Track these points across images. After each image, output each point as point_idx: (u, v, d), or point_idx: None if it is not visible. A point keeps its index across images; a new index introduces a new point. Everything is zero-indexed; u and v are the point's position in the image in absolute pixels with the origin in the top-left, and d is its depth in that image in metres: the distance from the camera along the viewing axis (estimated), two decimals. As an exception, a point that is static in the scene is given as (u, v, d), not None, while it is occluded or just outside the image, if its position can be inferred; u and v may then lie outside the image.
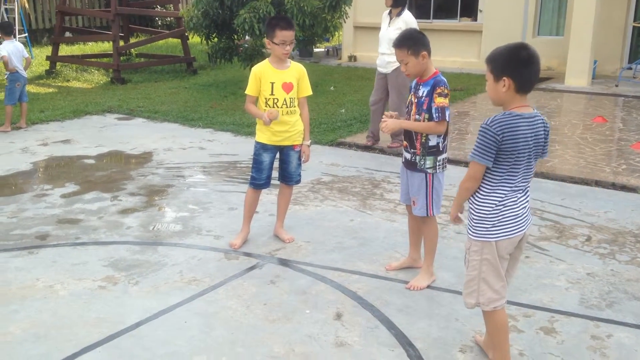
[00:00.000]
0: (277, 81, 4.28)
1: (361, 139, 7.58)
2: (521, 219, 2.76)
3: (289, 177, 4.53)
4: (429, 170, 3.72)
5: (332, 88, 11.29)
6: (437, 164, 3.73)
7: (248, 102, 4.37)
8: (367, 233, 4.70)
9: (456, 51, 13.92)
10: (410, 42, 3.64)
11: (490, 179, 2.75)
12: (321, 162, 6.66)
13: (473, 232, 2.81)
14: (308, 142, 4.51)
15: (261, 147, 4.40)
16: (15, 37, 8.94)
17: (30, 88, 10.45)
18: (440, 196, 3.83)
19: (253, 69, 4.37)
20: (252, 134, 7.94)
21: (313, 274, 4.02)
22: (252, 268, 4.11)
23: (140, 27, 16.84)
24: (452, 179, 6.05)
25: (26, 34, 14.90)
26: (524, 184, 2.78)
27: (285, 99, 4.29)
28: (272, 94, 4.27)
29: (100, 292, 3.76)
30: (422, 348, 3.17)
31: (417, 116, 3.70)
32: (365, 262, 4.20)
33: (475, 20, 14.03)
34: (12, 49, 8.12)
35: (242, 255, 4.30)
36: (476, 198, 2.79)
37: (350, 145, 7.40)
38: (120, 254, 4.32)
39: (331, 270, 4.07)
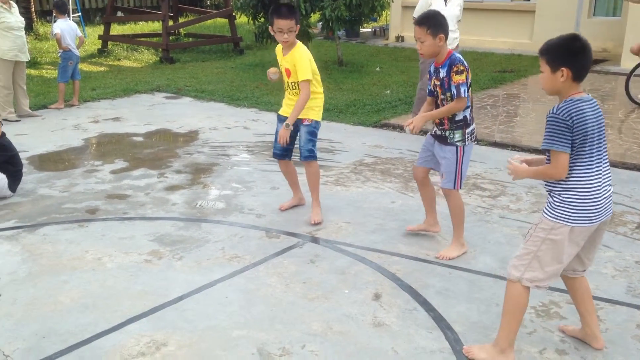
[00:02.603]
0: (282, 65, 4.46)
1: (406, 120, 7.47)
2: (603, 208, 2.72)
3: (299, 152, 4.57)
4: (458, 144, 3.85)
5: (377, 69, 11.19)
6: (466, 136, 3.86)
7: None
8: (408, 215, 4.67)
9: (507, 32, 13.53)
10: (431, 22, 3.76)
11: (577, 166, 2.71)
12: (364, 144, 6.63)
13: (551, 213, 2.75)
14: (287, 122, 4.38)
15: (277, 118, 4.65)
16: (69, 15, 9.19)
17: (83, 66, 10.75)
18: (466, 171, 3.94)
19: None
20: (296, 114, 7.99)
21: (353, 254, 4.04)
22: (292, 247, 4.15)
23: (189, 6, 17.02)
24: (499, 162, 5.95)
25: (79, 13, 15.28)
26: (606, 170, 2.77)
27: (288, 83, 4.47)
28: (282, 75, 4.51)
29: (145, 266, 3.88)
30: (461, 331, 3.15)
31: (442, 96, 3.84)
32: (405, 244, 4.19)
33: (528, 0, 13.60)
34: (66, 27, 8.35)
35: (282, 234, 4.35)
36: (563, 183, 2.74)
37: (394, 127, 7.33)
38: (166, 229, 4.44)
39: (371, 252, 4.07)
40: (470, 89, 3.81)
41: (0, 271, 3.78)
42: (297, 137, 4.59)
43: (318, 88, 4.48)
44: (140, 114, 8.07)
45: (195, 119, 7.82)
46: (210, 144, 6.70)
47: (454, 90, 3.73)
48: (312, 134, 4.52)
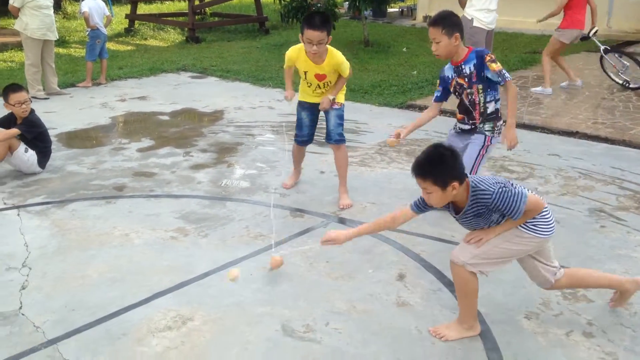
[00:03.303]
0: (310, 71, 4.32)
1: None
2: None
3: (328, 136, 4.55)
4: (487, 133, 3.89)
5: (404, 49, 11.05)
6: (495, 129, 3.91)
7: (285, 67, 4.51)
8: (434, 196, 4.63)
9: (539, 12, 13.17)
10: (446, 22, 3.72)
11: None
12: (390, 125, 6.58)
13: (532, 229, 2.75)
14: (331, 97, 4.38)
15: (299, 105, 4.57)
16: (96, -5, 9.22)
17: (110, 45, 10.83)
18: (480, 165, 3.94)
19: (287, 53, 4.40)
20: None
21: (377, 234, 4.01)
22: (316, 226, 4.15)
23: (214, -14, 16.97)
24: (527, 144, 5.85)
25: (107, -7, 15.35)
26: None
27: (318, 84, 4.38)
28: (305, 79, 4.37)
29: (171, 242, 3.92)
30: (486, 312, 3.13)
31: (468, 90, 3.82)
32: (430, 225, 4.16)
33: (560, -21, 13.23)
34: (94, 6, 8.41)
35: (307, 214, 4.35)
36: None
37: (420, 108, 7.25)
38: (191, 207, 4.47)
39: (395, 232, 4.05)
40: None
41: (30, 245, 3.86)
42: (325, 121, 4.56)
43: None
44: (166, 93, 8.12)
45: (220, 98, 7.84)
46: (235, 123, 6.71)
47: (498, 78, 3.71)
48: (341, 118, 4.50)
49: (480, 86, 3.78)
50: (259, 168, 5.30)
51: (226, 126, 6.60)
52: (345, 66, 4.34)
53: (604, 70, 8.16)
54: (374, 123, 6.64)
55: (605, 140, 5.98)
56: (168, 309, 3.17)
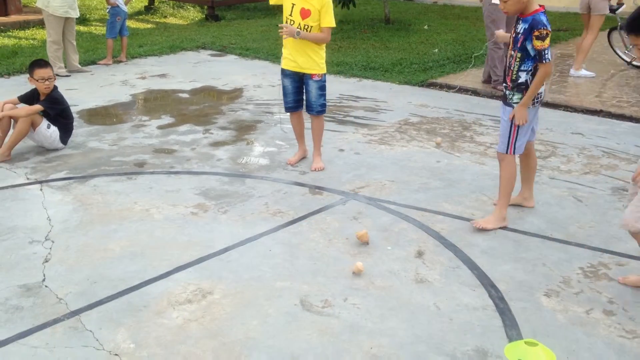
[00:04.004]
0: (297, 4, 4.35)
1: (453, 79, 7.32)
2: None
3: (309, 106, 4.67)
4: (515, 106, 3.63)
5: (426, 27, 10.91)
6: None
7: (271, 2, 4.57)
8: (454, 175, 4.60)
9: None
10: None
11: None
12: (410, 103, 6.52)
13: None
14: (298, 31, 4.32)
15: (281, 72, 4.68)
16: (116, -27, 9.22)
17: (130, 23, 10.84)
18: (525, 137, 3.70)
19: None
20: (340, 72, 7.90)
21: (396, 212, 4.01)
22: (335, 204, 4.15)
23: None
24: (550, 122, 5.77)
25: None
26: None
27: (300, 24, 4.36)
28: (290, 15, 4.38)
29: (191, 218, 3.95)
30: (505, 290, 3.12)
31: (512, 52, 3.62)
32: (450, 203, 4.14)
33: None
34: (114, -16, 8.40)
35: (326, 191, 4.35)
36: None
37: (441, 86, 7.17)
38: (211, 183, 4.50)
39: (414, 210, 4.04)
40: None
41: (52, 219, 3.92)
42: (305, 92, 4.66)
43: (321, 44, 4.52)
44: (186, 71, 8.13)
45: (239, 76, 7.83)
46: (255, 101, 6.71)
47: (534, 54, 3.48)
48: (323, 89, 4.61)
49: (519, 54, 3.55)
50: (278, 146, 5.30)
51: (246, 104, 6.60)
52: (330, 13, 4.37)
53: (611, 46, 7.97)
54: (394, 101, 6.59)
55: (630, 118, 5.87)
56: (188, 282, 3.21)
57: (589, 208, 4.02)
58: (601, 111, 6.07)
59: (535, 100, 3.64)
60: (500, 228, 3.76)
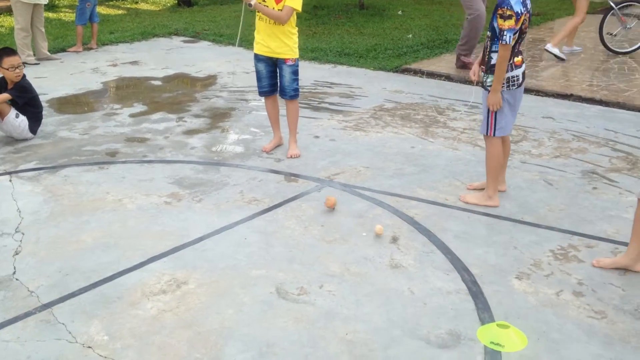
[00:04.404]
0: None
1: (428, 65, 7.34)
2: None
3: (283, 91, 4.67)
4: (489, 89, 3.68)
5: (400, 12, 10.90)
6: (502, 82, 3.63)
7: None
8: (428, 160, 4.63)
9: (535, -27, 13.01)
10: None
11: None
12: (384, 89, 6.53)
13: None
14: (253, 1, 4.27)
15: (254, 57, 4.66)
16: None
17: (101, 10, 10.64)
18: (506, 119, 3.72)
19: None
20: (315, 59, 7.87)
21: (371, 198, 4.03)
22: (310, 191, 4.15)
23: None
24: (521, 107, 5.81)
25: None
26: None
27: (274, 9, 4.32)
28: (263, 0, 4.33)
29: (165, 207, 3.92)
30: (478, 273, 3.16)
31: (488, 32, 3.67)
32: (424, 188, 4.17)
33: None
34: (82, -31, 8.22)
35: (301, 179, 4.35)
36: None
37: (416, 72, 7.19)
38: (185, 172, 4.46)
39: (389, 196, 4.06)
40: (519, 35, 3.54)
41: (22, 211, 3.85)
42: (279, 76, 4.64)
43: (294, 28, 4.50)
44: (159, 58, 8.01)
45: (213, 63, 7.75)
46: (229, 88, 6.65)
47: (497, 33, 3.49)
48: (296, 73, 4.61)
49: (489, 34, 3.59)
50: (253, 133, 5.28)
51: (219, 91, 6.54)
52: None
53: (600, 32, 8.03)
54: (369, 87, 6.59)
55: (600, 102, 5.96)
56: (162, 272, 3.19)
57: (560, 191, 4.09)
58: (571, 95, 6.15)
59: (510, 84, 3.64)
60: (472, 212, 3.80)
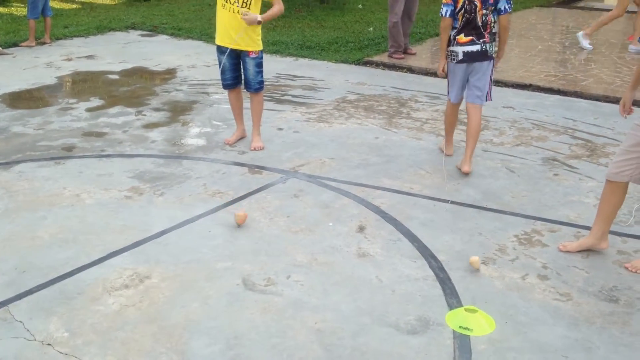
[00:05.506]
0: None
1: (389, 57, 7.36)
2: None
3: (247, 84, 4.61)
4: (494, 55, 4.13)
5: (360, 6, 10.91)
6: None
7: None
8: (392, 150, 4.63)
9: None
10: None
11: None
12: (347, 81, 6.51)
13: None
14: (259, 18, 4.29)
15: (217, 50, 4.55)
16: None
17: (54, 4, 10.32)
18: (450, 87, 4.24)
19: None
20: (276, 52, 7.80)
21: (337, 189, 4.00)
22: (275, 182, 4.10)
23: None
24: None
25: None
26: None
27: (238, 2, 4.28)
28: None
29: (126, 202, 3.81)
30: (445, 260, 3.17)
31: (484, 11, 3.96)
32: (389, 178, 4.16)
33: None
34: (33, -39, 7.93)
35: (266, 170, 4.29)
36: None
37: (377, 64, 7.20)
38: (145, 166, 4.35)
39: (355, 186, 4.04)
40: (459, 11, 3.98)
41: (-25, 208, 3.69)
42: (243, 69, 4.58)
43: None
44: (115, 52, 7.81)
45: (172, 57, 7.59)
46: (189, 82, 6.53)
47: (507, 4, 3.99)
48: (260, 65, 4.56)
49: (492, 8, 3.97)
50: (215, 126, 5.18)
51: (180, 85, 6.41)
52: None
53: None
54: (331, 80, 6.56)
55: (558, 92, 6.08)
56: (124, 267, 3.09)
57: (522, 178, 4.14)
58: (530, 85, 6.25)
59: (449, 57, 4.11)
60: (437, 200, 3.81)
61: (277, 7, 4.39)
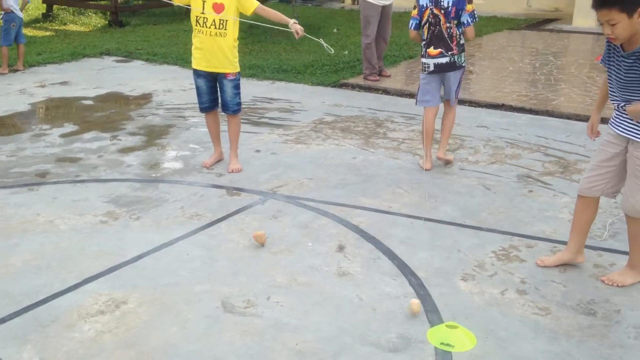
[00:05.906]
0: (207, 1, 4.25)
1: (364, 80, 7.44)
2: None
3: (225, 106, 4.60)
4: (464, 64, 4.45)
5: (335, 30, 11.05)
6: (466, 58, 4.53)
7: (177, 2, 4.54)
8: (370, 170, 4.66)
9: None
10: None
11: None
12: (323, 103, 6.56)
13: None
14: (293, 20, 4.47)
15: (194, 73, 4.56)
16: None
17: (27, 31, 10.26)
18: (422, 95, 4.56)
19: None
20: (253, 75, 7.83)
21: (315, 209, 4.00)
22: (254, 204, 4.08)
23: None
24: (457, 117, 5.96)
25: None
26: None
27: (214, 21, 4.30)
28: (202, 12, 4.28)
29: (101, 227, 3.75)
30: (424, 277, 3.17)
31: (448, 24, 4.27)
32: (367, 197, 4.17)
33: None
34: (7, -12, 7.89)
35: (244, 192, 4.27)
36: None
37: (353, 86, 7.27)
38: (121, 190, 4.30)
39: (333, 206, 4.04)
40: (425, 24, 4.38)
41: (-55, 237, 3.59)
42: (220, 91, 4.58)
43: (236, 41, 4.46)
44: (90, 78, 7.77)
45: (148, 82, 7.58)
46: (165, 106, 6.51)
47: (470, 18, 4.31)
48: (238, 87, 4.57)
49: (455, 22, 4.26)
50: (192, 149, 5.16)
51: (155, 109, 6.38)
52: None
53: None
54: (308, 102, 6.60)
55: (530, 111, 6.19)
56: (99, 293, 3.03)
57: (498, 195, 4.18)
58: (503, 105, 6.36)
59: (422, 68, 4.47)
60: (415, 218, 3.83)
61: (273, 13, 4.50)
